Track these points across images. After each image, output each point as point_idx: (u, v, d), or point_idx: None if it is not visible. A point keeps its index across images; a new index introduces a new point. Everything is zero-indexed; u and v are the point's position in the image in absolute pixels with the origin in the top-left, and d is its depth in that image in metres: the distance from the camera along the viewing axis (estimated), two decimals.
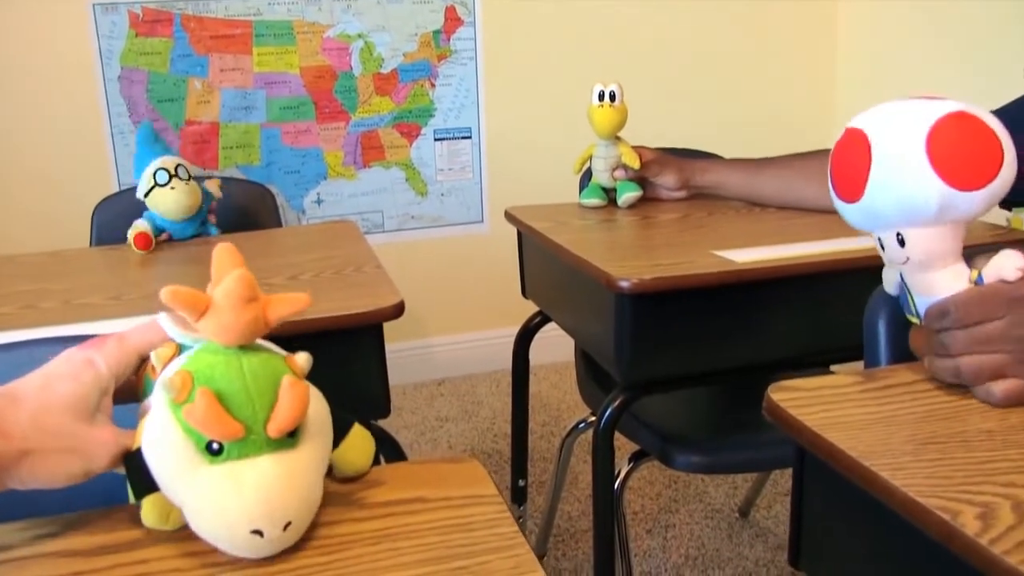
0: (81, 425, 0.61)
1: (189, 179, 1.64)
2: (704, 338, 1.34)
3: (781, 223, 1.52)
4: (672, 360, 1.34)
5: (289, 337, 1.11)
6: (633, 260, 1.32)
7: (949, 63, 2.69)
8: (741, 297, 1.32)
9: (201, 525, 0.59)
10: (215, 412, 0.58)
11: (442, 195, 2.95)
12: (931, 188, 0.74)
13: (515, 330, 1.81)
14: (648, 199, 1.70)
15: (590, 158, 1.70)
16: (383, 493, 0.66)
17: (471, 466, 0.69)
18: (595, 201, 1.68)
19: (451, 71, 2.87)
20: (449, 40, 2.84)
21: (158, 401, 0.61)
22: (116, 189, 2.62)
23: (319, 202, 2.84)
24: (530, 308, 1.74)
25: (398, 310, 1.12)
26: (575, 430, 1.83)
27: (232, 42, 2.64)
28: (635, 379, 1.35)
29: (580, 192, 1.75)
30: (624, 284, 1.20)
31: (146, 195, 1.63)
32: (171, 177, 1.61)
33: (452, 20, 2.83)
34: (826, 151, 1.54)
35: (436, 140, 2.90)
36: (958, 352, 0.76)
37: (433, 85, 2.86)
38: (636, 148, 1.65)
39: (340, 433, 0.68)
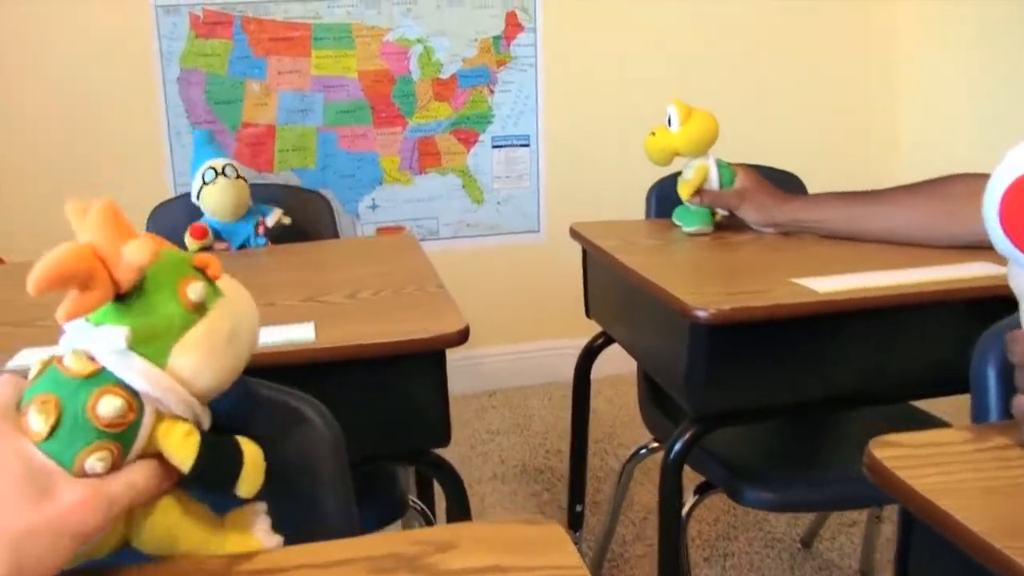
0: (38, 510, 0.52)
1: (236, 177, 1.64)
2: (779, 370, 1.27)
3: (860, 248, 1.43)
4: (746, 393, 1.27)
5: (345, 362, 1.07)
6: (707, 287, 1.25)
7: (1014, 87, 2.59)
8: (821, 328, 1.24)
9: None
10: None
11: (498, 203, 2.89)
12: None
13: (569, 343, 1.76)
14: (729, 222, 1.61)
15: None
16: (455, 559, 0.60)
17: (552, 530, 0.62)
18: (677, 222, 1.61)
19: (510, 77, 2.81)
20: (509, 46, 2.79)
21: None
22: (173, 192, 2.60)
23: (374, 207, 2.80)
24: (586, 322, 1.68)
25: (462, 336, 1.06)
26: (636, 456, 1.76)
27: (291, 45, 2.61)
28: (707, 412, 1.28)
29: (647, 208, 1.69)
30: (701, 314, 1.13)
31: (197, 196, 1.65)
32: (217, 175, 1.62)
33: (513, 25, 2.78)
34: (930, 183, 1.44)
35: (494, 147, 2.85)
36: (1018, 387, 0.73)
37: (492, 91, 2.80)
38: (736, 166, 1.55)
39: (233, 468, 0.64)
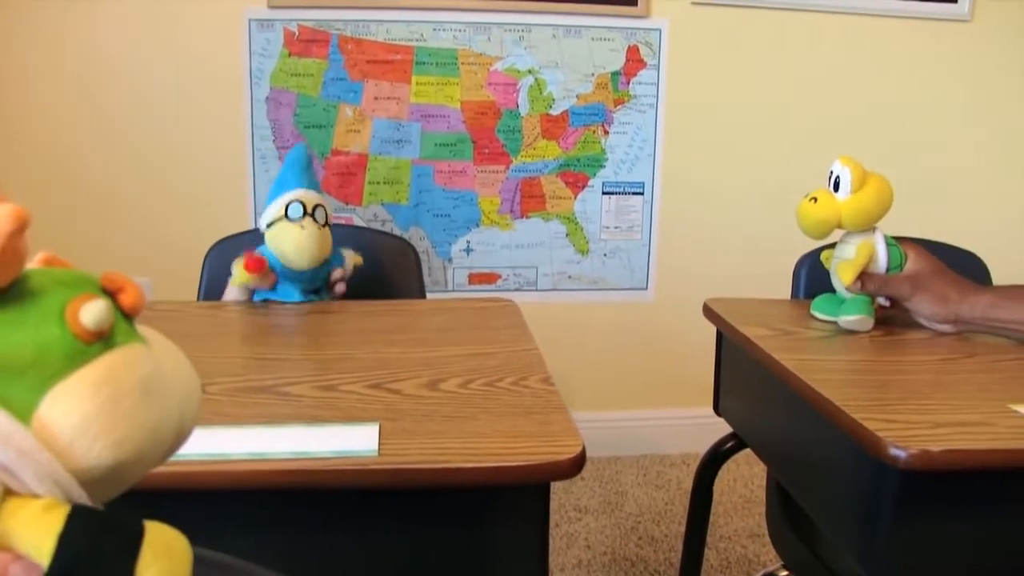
0: None
1: (325, 225, 1.37)
2: (983, 534, 0.95)
3: None
4: (939, 560, 0.95)
5: (410, 491, 0.80)
6: (894, 411, 0.93)
7: None
8: None
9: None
10: None
11: (605, 255, 2.61)
12: None
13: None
14: (886, 313, 1.30)
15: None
16: None
17: None
18: (821, 315, 1.29)
19: (628, 118, 2.54)
20: (628, 83, 2.52)
21: None
22: (251, 222, 2.38)
23: (468, 251, 2.54)
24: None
25: (576, 464, 0.78)
26: None
27: (390, 68, 2.38)
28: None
29: (794, 284, 1.39)
30: (899, 454, 0.83)
31: (269, 226, 1.37)
32: (305, 214, 1.34)
33: (634, 61, 2.50)
34: None
35: (604, 194, 2.57)
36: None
37: (606, 132, 2.53)
38: (906, 245, 1.24)
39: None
